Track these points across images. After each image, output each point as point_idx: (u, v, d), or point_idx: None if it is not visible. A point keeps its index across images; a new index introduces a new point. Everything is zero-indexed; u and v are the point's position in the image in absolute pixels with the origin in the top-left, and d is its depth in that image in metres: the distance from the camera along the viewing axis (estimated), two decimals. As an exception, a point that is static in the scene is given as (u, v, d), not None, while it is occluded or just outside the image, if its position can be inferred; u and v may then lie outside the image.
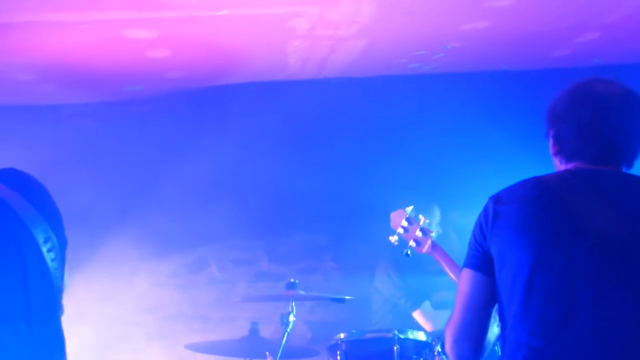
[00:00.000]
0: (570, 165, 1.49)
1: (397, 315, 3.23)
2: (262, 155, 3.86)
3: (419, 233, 2.23)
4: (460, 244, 4.04)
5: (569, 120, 1.50)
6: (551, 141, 1.55)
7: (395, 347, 2.43)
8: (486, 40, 3.49)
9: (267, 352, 2.39)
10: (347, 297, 2.54)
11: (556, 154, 1.54)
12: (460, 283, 1.54)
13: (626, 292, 1.31)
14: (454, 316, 1.52)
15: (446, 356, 2.40)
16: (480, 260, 1.49)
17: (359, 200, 3.79)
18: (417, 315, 3.14)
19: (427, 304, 3.14)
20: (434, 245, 2.20)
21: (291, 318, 2.47)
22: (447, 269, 2.14)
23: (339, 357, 2.51)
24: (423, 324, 3.07)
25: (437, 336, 2.55)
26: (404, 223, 2.28)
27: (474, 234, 1.54)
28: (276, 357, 2.37)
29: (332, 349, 2.58)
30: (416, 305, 3.14)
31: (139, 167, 3.77)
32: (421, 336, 2.53)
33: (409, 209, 2.29)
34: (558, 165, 1.55)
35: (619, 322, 1.30)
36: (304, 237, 3.93)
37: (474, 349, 1.48)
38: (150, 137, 3.82)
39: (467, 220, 4.14)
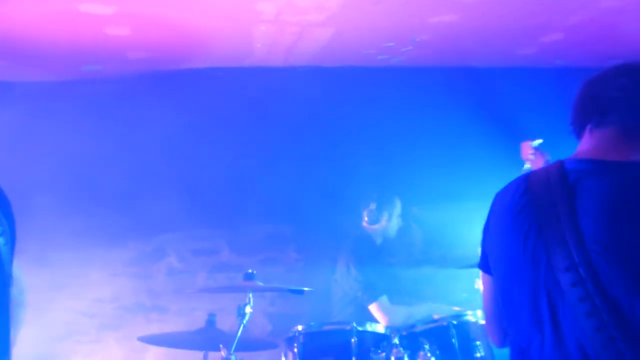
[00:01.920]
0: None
1: (357, 308, 3.20)
2: (225, 143, 3.78)
3: (543, 165, 2.34)
4: (421, 238, 4.06)
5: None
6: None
7: (353, 340, 2.40)
8: (453, 34, 3.50)
9: (221, 345, 2.32)
10: (306, 289, 2.49)
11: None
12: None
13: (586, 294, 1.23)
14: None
15: (404, 348, 2.38)
16: (484, 260, 1.51)
17: (323, 192, 3.75)
18: (373, 308, 3.13)
19: (384, 298, 3.13)
20: None
21: (248, 310, 2.41)
22: None
23: (296, 349, 2.47)
24: (379, 318, 3.06)
25: (396, 329, 2.54)
26: (531, 156, 2.41)
27: (483, 228, 1.53)
28: (230, 350, 2.31)
29: (290, 341, 2.54)
30: (373, 298, 3.12)
31: (95, 151, 3.63)
32: (379, 329, 2.51)
33: (538, 141, 2.44)
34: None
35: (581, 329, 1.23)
36: (267, 228, 3.87)
37: (500, 339, 1.51)
38: (108, 120, 3.68)
39: (428, 215, 4.18)
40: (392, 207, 3.46)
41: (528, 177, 1.41)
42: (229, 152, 3.73)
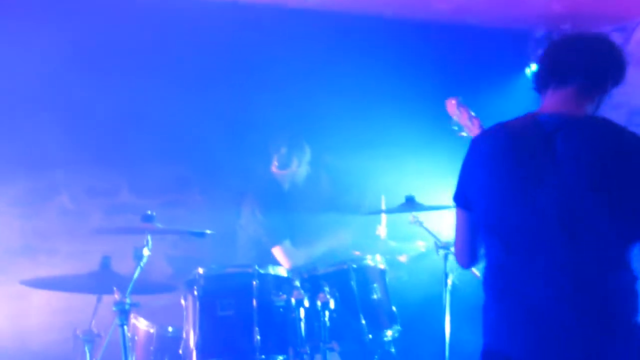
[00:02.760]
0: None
1: (260, 252, 3.19)
2: (126, 73, 3.47)
3: (467, 121, 2.42)
4: (332, 185, 4.08)
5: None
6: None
7: (254, 282, 2.39)
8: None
9: (115, 288, 2.20)
10: (208, 232, 2.41)
11: None
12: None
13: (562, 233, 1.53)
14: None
15: (304, 291, 2.40)
16: (461, 197, 1.73)
17: (230, 132, 3.63)
18: (276, 251, 3.14)
19: (287, 242, 3.14)
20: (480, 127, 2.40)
21: (145, 252, 2.29)
22: None
23: (196, 292, 2.42)
24: (282, 261, 3.07)
25: (298, 272, 2.55)
26: (457, 110, 2.46)
27: (462, 169, 1.73)
28: (125, 293, 2.19)
29: (190, 284, 2.47)
30: (276, 242, 3.12)
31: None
32: (281, 271, 2.51)
33: (458, 98, 2.48)
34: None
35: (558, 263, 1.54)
36: (169, 168, 3.68)
37: (469, 262, 1.82)
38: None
39: (339, 162, 4.20)
40: (302, 153, 3.42)
41: (505, 125, 1.67)
42: (129, 83, 3.44)
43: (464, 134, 2.47)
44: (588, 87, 1.63)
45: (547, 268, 1.55)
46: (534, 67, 1.72)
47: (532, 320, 1.56)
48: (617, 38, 4.41)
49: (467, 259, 1.80)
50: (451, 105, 2.50)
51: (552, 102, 1.66)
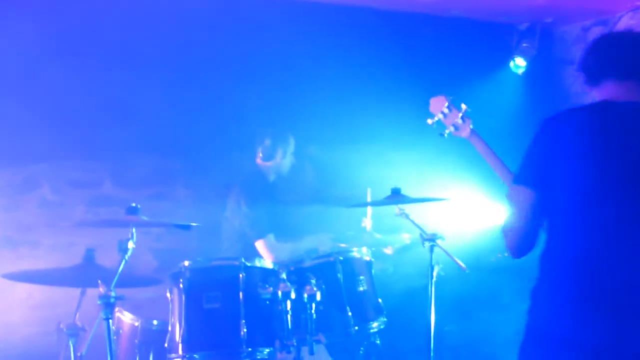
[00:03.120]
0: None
1: (245, 244, 3.18)
2: (109, 67, 3.43)
3: (459, 120, 2.37)
4: (317, 177, 4.08)
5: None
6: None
7: (241, 275, 2.38)
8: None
9: (99, 281, 2.17)
10: (193, 224, 2.39)
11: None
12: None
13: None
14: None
15: (291, 283, 2.40)
16: (532, 176, 1.76)
17: (216, 125, 3.60)
18: (259, 245, 3.14)
19: (270, 236, 3.14)
20: (472, 132, 2.35)
21: (130, 245, 2.26)
22: (484, 155, 2.29)
23: (182, 285, 2.40)
24: (264, 255, 3.07)
25: (284, 264, 2.55)
26: (445, 109, 2.39)
27: (534, 150, 1.77)
28: (110, 286, 2.17)
29: (175, 277, 2.45)
30: (260, 235, 3.12)
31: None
32: (268, 264, 2.51)
33: (450, 97, 2.42)
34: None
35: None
36: (154, 161, 3.64)
37: (527, 248, 1.81)
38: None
39: (325, 154, 4.19)
40: (286, 144, 3.42)
41: (580, 109, 1.79)
42: (113, 74, 3.39)
43: (446, 133, 2.41)
44: None
45: (634, 253, 1.58)
46: (581, 63, 1.84)
47: (614, 308, 1.58)
48: (599, 32, 4.47)
49: (527, 243, 1.77)
50: (438, 102, 2.43)
51: (619, 92, 1.79)
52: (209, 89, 3.64)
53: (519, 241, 1.78)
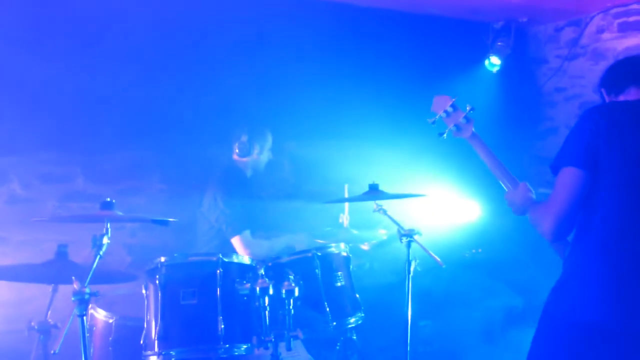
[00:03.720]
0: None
1: (222, 240, 3.15)
2: (83, 58, 3.34)
3: (462, 120, 2.35)
4: (295, 173, 4.07)
5: None
6: None
7: (218, 271, 2.35)
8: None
9: (73, 277, 2.12)
10: (171, 220, 2.35)
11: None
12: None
13: None
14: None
15: (269, 279, 2.39)
16: (586, 159, 1.85)
17: (191, 119, 3.55)
18: (235, 241, 3.11)
19: (246, 232, 3.11)
20: (474, 133, 2.34)
21: (105, 240, 2.21)
22: (484, 157, 2.29)
23: (158, 281, 2.36)
24: (240, 252, 3.05)
25: (262, 260, 2.53)
26: (449, 109, 2.37)
27: (582, 135, 1.87)
28: (84, 282, 2.12)
29: (151, 273, 2.41)
30: (236, 232, 3.09)
31: None
32: (246, 260, 2.48)
33: (454, 97, 2.40)
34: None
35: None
36: (128, 154, 3.57)
37: (566, 231, 1.89)
38: None
39: (303, 150, 4.18)
40: (263, 140, 3.40)
41: (616, 104, 1.99)
42: (87, 65, 3.30)
43: (446, 133, 2.38)
44: None
45: None
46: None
47: None
48: (571, 32, 4.56)
49: (568, 225, 1.83)
50: (442, 102, 2.39)
51: None
52: (186, 82, 3.59)
53: (561, 223, 1.83)
